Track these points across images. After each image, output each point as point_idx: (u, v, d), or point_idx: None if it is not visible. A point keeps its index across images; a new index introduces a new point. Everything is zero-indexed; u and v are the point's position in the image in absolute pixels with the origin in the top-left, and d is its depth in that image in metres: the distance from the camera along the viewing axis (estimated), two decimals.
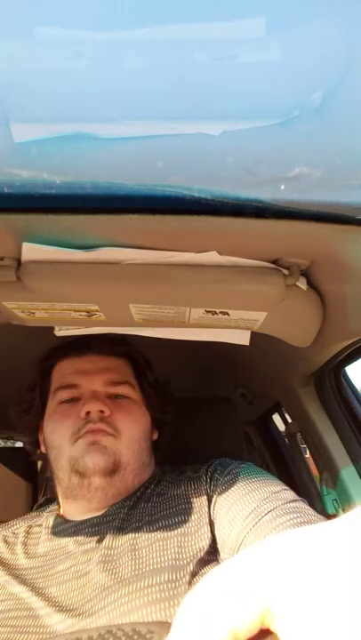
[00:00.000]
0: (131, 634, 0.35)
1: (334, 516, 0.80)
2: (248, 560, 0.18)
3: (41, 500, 1.08)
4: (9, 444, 1.91)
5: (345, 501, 0.79)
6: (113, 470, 0.56)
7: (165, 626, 0.36)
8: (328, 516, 0.80)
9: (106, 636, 0.36)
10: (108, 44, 0.28)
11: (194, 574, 0.47)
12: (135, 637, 0.35)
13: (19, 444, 1.93)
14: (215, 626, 0.16)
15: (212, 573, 0.18)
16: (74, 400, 0.61)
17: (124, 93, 0.30)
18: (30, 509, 0.93)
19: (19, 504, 0.93)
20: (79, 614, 0.46)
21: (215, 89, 0.30)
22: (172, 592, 0.45)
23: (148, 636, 0.35)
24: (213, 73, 0.29)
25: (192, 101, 0.30)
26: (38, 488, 1.02)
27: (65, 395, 0.62)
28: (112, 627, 0.37)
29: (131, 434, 0.59)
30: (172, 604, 0.44)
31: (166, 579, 0.46)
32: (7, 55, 0.28)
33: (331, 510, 0.81)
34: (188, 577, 0.46)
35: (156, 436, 0.68)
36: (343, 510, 0.79)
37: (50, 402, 0.64)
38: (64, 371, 0.65)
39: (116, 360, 0.66)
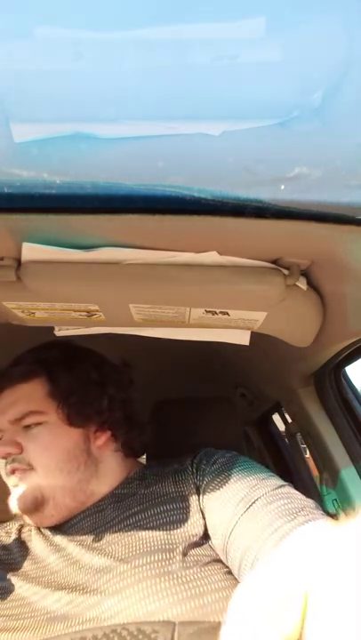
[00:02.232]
0: (135, 633, 0.36)
1: (335, 516, 0.80)
2: (287, 567, 0.18)
3: None
4: None
5: (345, 501, 0.79)
6: (36, 507, 0.57)
7: (170, 625, 0.36)
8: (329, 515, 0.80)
9: (110, 635, 0.36)
10: (108, 43, 0.28)
11: (185, 554, 0.48)
12: (140, 637, 0.35)
13: None
14: (268, 633, 0.16)
15: (253, 580, 0.19)
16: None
17: (124, 93, 0.30)
18: None
19: None
20: (74, 591, 0.47)
21: (215, 89, 0.30)
22: (163, 569, 0.46)
23: (152, 636, 0.35)
24: (213, 73, 0.29)
25: (192, 101, 0.30)
26: None
27: None
28: (117, 626, 0.37)
29: (45, 464, 0.57)
30: (164, 579, 0.45)
31: (158, 558, 0.47)
32: (7, 55, 0.28)
33: (331, 510, 0.82)
34: (179, 556, 0.48)
35: (102, 440, 0.63)
36: (343, 510, 0.80)
37: None
38: None
39: (23, 386, 0.61)
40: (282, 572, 0.18)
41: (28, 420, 0.59)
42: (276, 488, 0.51)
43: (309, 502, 0.49)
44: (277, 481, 0.53)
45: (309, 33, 0.28)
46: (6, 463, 0.58)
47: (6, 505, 0.59)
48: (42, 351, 0.65)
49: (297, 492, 0.51)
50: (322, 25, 0.28)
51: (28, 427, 0.59)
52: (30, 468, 0.57)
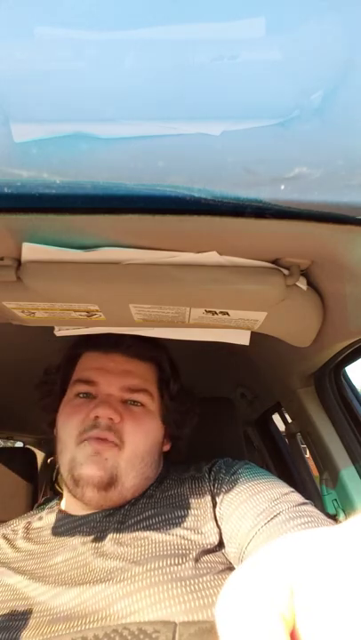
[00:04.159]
0: (137, 633, 0.35)
1: (334, 516, 0.81)
2: (286, 552, 0.18)
3: (41, 500, 1.08)
4: (9, 444, 1.92)
5: (345, 501, 0.79)
6: (108, 484, 0.55)
7: (171, 625, 0.36)
8: (330, 516, 0.80)
9: (112, 635, 0.36)
10: (108, 43, 0.28)
11: (198, 560, 0.48)
12: (141, 637, 0.35)
13: (19, 444, 1.93)
14: (269, 614, 0.16)
15: (248, 566, 0.18)
16: (89, 396, 0.61)
17: (124, 93, 0.30)
18: (30, 509, 0.93)
19: (19, 504, 0.93)
20: (84, 592, 0.46)
21: (215, 89, 0.30)
22: (175, 575, 0.45)
23: (154, 636, 0.35)
24: (213, 73, 0.29)
25: (192, 101, 0.30)
26: (38, 488, 1.03)
27: (82, 389, 0.61)
28: (118, 625, 0.37)
29: (135, 446, 0.57)
30: (176, 585, 0.43)
31: (169, 563, 0.46)
32: (7, 55, 0.28)
33: (331, 510, 0.82)
34: (192, 562, 0.47)
35: (167, 448, 0.67)
36: (343, 510, 0.80)
37: (68, 390, 0.64)
38: (87, 364, 0.64)
39: (141, 364, 0.63)
40: (276, 559, 0.18)
41: (137, 396, 0.60)
42: (298, 505, 0.50)
43: (330, 522, 0.49)
44: (299, 497, 0.53)
45: (309, 33, 0.28)
46: (90, 426, 0.56)
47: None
48: (162, 345, 0.67)
49: (319, 512, 0.51)
50: (322, 25, 0.28)
51: (131, 403, 0.60)
52: (121, 444, 0.56)
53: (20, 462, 0.99)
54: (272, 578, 0.17)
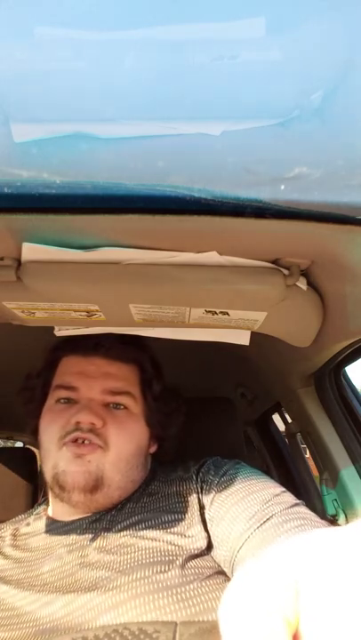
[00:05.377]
0: (137, 633, 0.35)
1: (334, 516, 0.81)
2: (290, 554, 0.18)
3: (41, 499, 1.07)
4: (9, 444, 1.92)
5: (345, 501, 0.79)
6: (94, 487, 0.54)
7: (172, 625, 0.36)
8: (327, 517, 0.80)
9: (112, 635, 0.36)
10: (108, 43, 0.28)
11: (185, 566, 0.47)
12: (142, 636, 0.35)
13: (19, 444, 1.93)
14: (272, 617, 0.16)
15: (251, 569, 0.18)
16: (70, 401, 0.60)
17: (124, 93, 0.30)
18: (30, 509, 0.93)
19: (19, 504, 0.93)
20: (71, 603, 0.45)
21: (215, 89, 0.30)
22: (162, 584, 0.44)
23: (154, 635, 0.35)
24: (213, 73, 0.29)
25: (192, 101, 0.30)
26: (38, 488, 1.02)
27: (62, 394, 0.60)
28: (118, 625, 0.37)
29: (120, 450, 0.56)
30: (163, 595, 0.43)
31: (155, 571, 0.46)
32: (7, 55, 0.28)
33: (331, 510, 0.82)
34: (179, 570, 0.46)
35: (153, 450, 0.66)
36: (343, 510, 0.80)
37: (49, 396, 0.63)
38: (67, 369, 0.63)
39: (122, 366, 0.62)
40: (278, 562, 0.18)
41: (119, 398, 0.59)
42: (290, 507, 0.50)
43: (323, 524, 0.49)
44: (291, 498, 0.52)
45: (309, 33, 0.28)
46: (72, 430, 0.55)
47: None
48: (144, 346, 0.66)
49: (311, 513, 0.50)
50: (322, 25, 0.28)
51: (113, 406, 0.59)
52: (105, 446, 0.55)
53: (20, 462, 0.99)
54: (277, 579, 0.17)
